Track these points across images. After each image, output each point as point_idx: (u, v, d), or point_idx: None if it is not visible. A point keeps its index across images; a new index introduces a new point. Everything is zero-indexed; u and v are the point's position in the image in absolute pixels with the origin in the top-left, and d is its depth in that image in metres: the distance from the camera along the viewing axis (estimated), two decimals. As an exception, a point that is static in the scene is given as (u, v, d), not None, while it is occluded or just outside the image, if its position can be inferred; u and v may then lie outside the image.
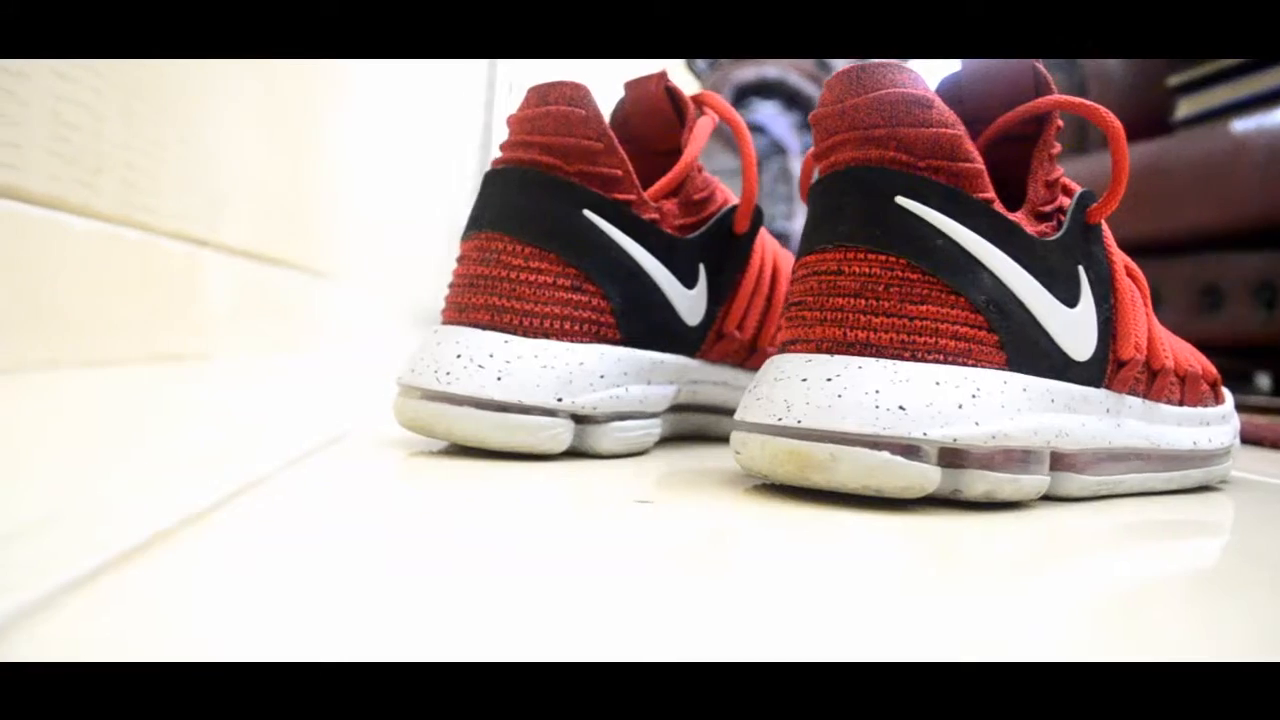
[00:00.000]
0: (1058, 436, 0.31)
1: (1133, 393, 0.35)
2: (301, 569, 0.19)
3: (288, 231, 1.01)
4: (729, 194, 0.40)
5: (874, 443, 0.28)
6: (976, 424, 0.28)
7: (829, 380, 0.29)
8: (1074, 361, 0.32)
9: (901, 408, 0.28)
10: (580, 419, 0.35)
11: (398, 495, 0.28)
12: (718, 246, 0.39)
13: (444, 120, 1.79)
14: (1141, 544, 0.29)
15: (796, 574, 0.21)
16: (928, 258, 0.29)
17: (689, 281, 0.38)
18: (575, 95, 0.35)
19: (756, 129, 2.05)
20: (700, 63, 2.31)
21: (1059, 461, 0.32)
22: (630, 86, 0.41)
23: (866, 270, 0.29)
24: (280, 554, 0.20)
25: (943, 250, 0.29)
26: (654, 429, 0.37)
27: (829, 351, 0.30)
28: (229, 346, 0.84)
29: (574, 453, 0.35)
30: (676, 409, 0.41)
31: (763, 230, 0.42)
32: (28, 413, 0.39)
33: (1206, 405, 0.38)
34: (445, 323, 0.35)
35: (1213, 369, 0.39)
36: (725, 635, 0.16)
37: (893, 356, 0.29)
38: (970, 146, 0.30)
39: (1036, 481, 0.30)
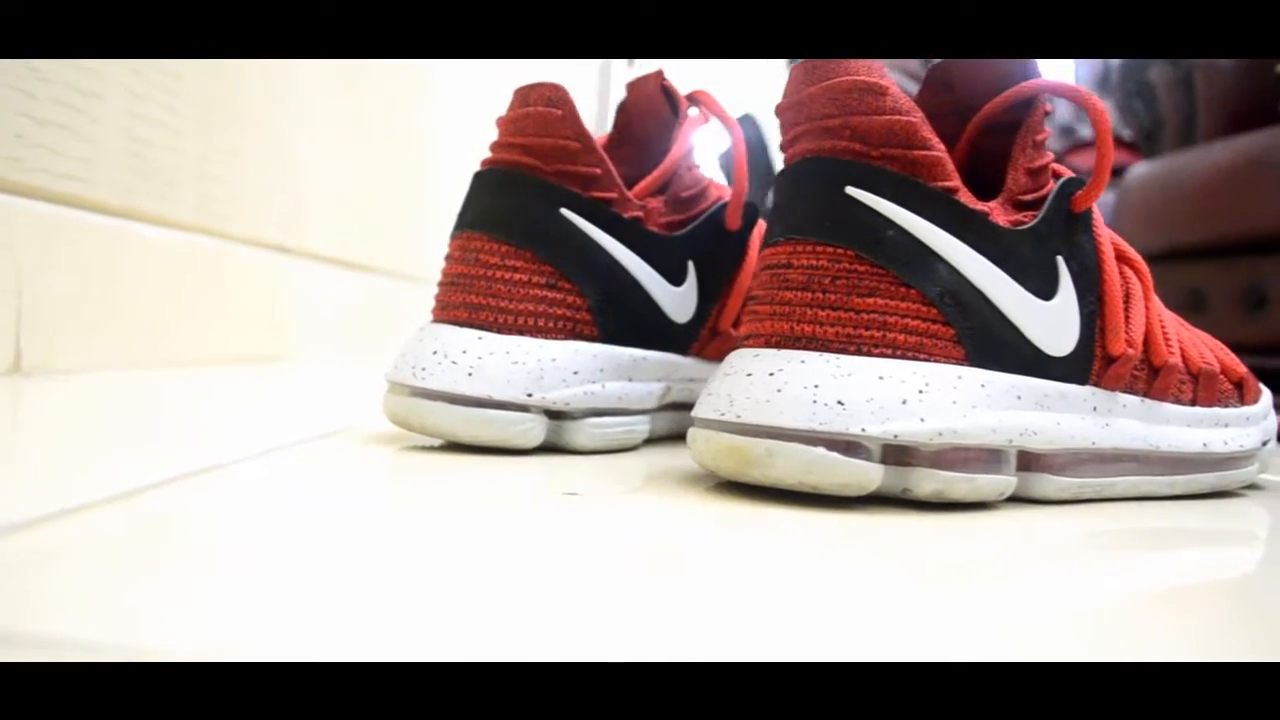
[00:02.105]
0: (1023, 435, 0.29)
1: (1129, 391, 0.33)
2: (195, 552, 0.20)
3: (374, 237, 1.05)
4: (725, 191, 0.40)
5: (810, 438, 0.27)
6: (921, 420, 0.27)
7: (771, 375, 0.28)
8: (1049, 357, 0.30)
9: (840, 402, 0.27)
10: (554, 415, 0.35)
11: (335, 486, 0.29)
12: (708, 243, 0.39)
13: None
14: (1101, 553, 0.27)
15: (701, 573, 0.21)
16: (877, 249, 0.28)
17: (676, 279, 0.38)
18: (554, 96, 0.35)
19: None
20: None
21: (1035, 462, 0.30)
22: (631, 87, 0.42)
23: (814, 263, 0.29)
24: (182, 536, 0.21)
25: (894, 241, 0.28)
26: (637, 426, 0.37)
27: (777, 346, 0.29)
28: (310, 351, 0.87)
29: (553, 449, 0.36)
30: (674, 407, 0.41)
31: (762, 226, 0.41)
32: (45, 410, 0.42)
33: (1227, 405, 0.36)
34: (432, 321, 0.36)
35: (1239, 367, 0.37)
36: (596, 633, 0.16)
37: (838, 351, 0.28)
38: (928, 134, 0.29)
39: (997, 482, 0.29)
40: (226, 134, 0.73)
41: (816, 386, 0.27)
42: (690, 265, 0.38)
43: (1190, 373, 0.35)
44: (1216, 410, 0.35)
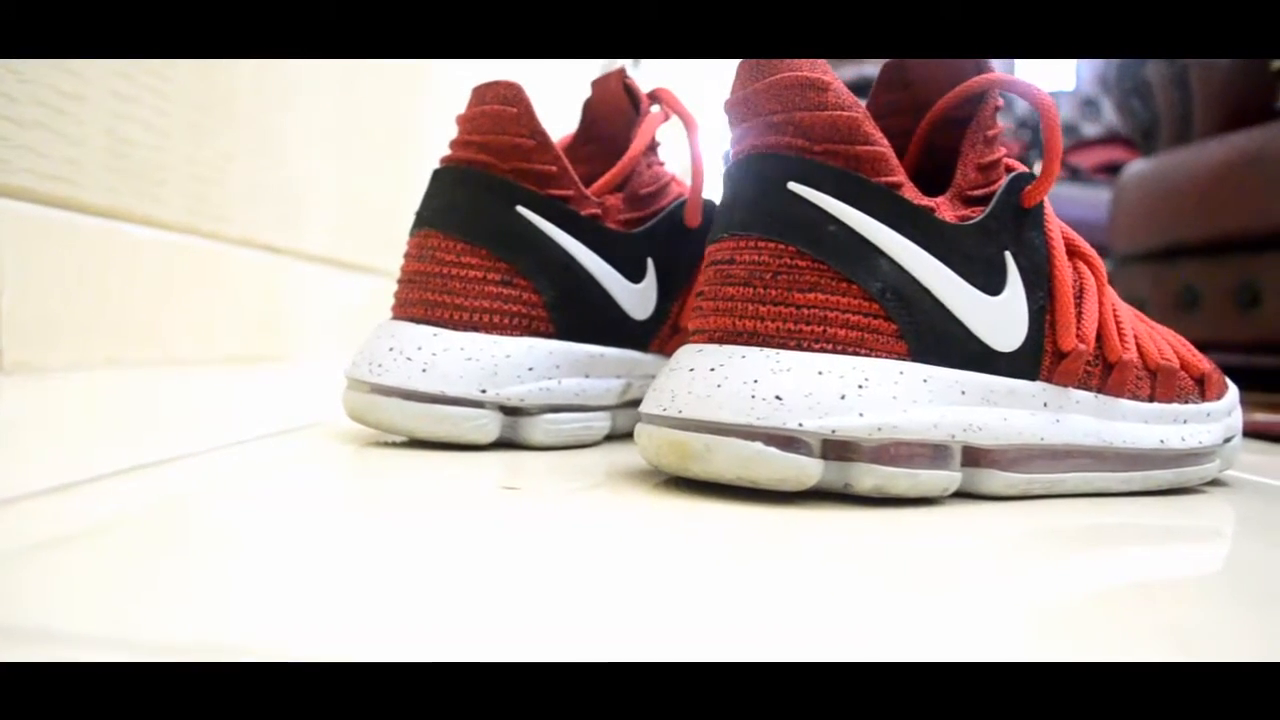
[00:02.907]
0: (967, 430, 0.29)
1: (1083, 387, 0.32)
2: (135, 547, 0.20)
3: (370, 238, 1.05)
4: (686, 188, 0.40)
5: (748, 433, 0.27)
6: (860, 415, 0.27)
7: (712, 370, 0.28)
8: (996, 353, 0.30)
9: (778, 398, 0.27)
10: (510, 411, 0.35)
11: (288, 482, 0.29)
12: (668, 240, 0.39)
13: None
14: (1049, 550, 0.27)
15: (631, 572, 0.21)
16: (818, 244, 0.28)
17: (634, 276, 0.38)
18: (509, 94, 0.36)
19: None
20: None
21: (982, 457, 0.30)
22: (594, 85, 0.42)
23: (756, 258, 0.29)
24: (125, 530, 0.21)
25: (834, 236, 0.28)
26: (595, 422, 0.37)
27: (720, 341, 0.29)
28: (305, 352, 0.88)
29: (511, 444, 0.36)
30: (636, 404, 0.41)
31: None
32: (12, 408, 0.42)
33: (1187, 402, 0.36)
34: (391, 318, 0.37)
35: (1202, 363, 0.37)
36: (500, 630, 0.16)
37: (778, 346, 0.28)
38: (871, 129, 0.29)
39: (940, 478, 0.29)
40: (220, 136, 0.73)
41: (755, 381, 0.27)
42: (649, 262, 0.38)
43: (1148, 368, 0.34)
44: (1175, 406, 0.35)
